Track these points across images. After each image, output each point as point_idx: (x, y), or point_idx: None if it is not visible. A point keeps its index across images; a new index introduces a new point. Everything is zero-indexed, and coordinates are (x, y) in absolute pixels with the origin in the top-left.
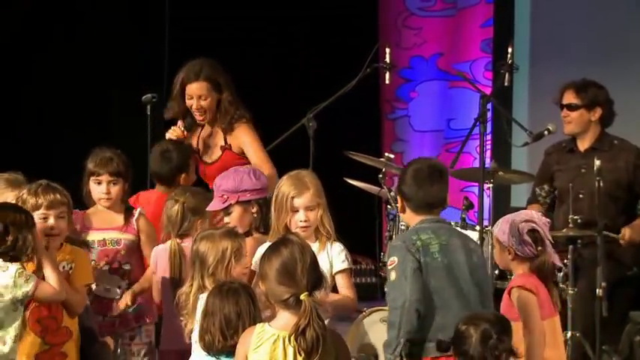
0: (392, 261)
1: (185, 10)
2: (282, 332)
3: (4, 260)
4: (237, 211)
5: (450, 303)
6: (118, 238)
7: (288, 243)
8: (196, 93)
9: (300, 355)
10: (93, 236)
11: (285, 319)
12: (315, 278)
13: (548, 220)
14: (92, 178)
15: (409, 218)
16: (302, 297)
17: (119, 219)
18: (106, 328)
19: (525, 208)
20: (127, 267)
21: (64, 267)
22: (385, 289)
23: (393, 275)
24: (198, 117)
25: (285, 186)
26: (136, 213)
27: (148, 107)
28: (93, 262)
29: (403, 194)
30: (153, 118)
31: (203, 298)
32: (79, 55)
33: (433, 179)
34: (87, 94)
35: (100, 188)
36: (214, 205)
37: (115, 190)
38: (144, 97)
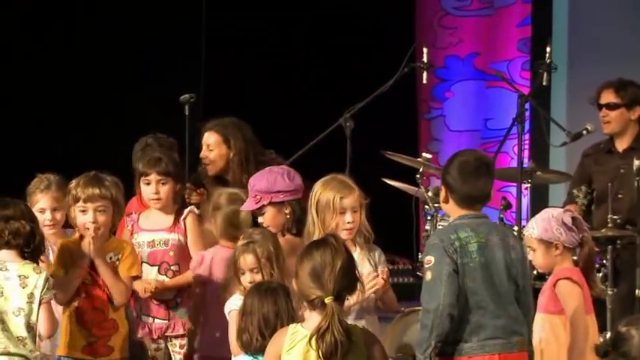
0: (428, 260)
1: (223, 11)
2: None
3: (32, 261)
4: (270, 211)
5: (485, 303)
6: (166, 238)
7: (322, 245)
8: (206, 142)
9: (320, 358)
10: (142, 237)
11: (315, 320)
12: (345, 283)
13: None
14: (142, 178)
15: (451, 210)
16: (326, 300)
17: (169, 219)
18: (156, 330)
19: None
20: (175, 268)
21: (110, 258)
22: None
23: (428, 275)
24: (206, 167)
25: (329, 189)
26: (185, 211)
27: (186, 107)
28: (143, 264)
29: (448, 186)
30: (190, 118)
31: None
32: (117, 56)
33: (480, 173)
34: (125, 95)
35: (149, 189)
36: (247, 206)
37: (164, 190)
38: (182, 98)
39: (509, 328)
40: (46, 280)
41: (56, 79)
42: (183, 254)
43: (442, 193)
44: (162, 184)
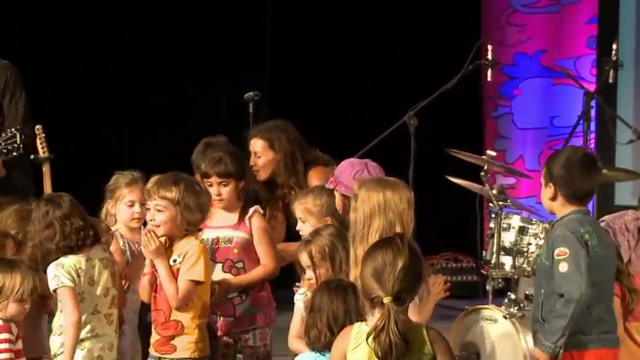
0: (562, 252)
1: (288, 10)
2: None
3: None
4: (338, 196)
5: (605, 296)
6: (230, 236)
7: (386, 244)
8: (253, 149)
9: (378, 357)
10: (207, 234)
11: (376, 319)
12: (406, 284)
13: None
14: (204, 180)
15: (558, 207)
16: (385, 300)
17: (234, 217)
18: (223, 327)
19: (633, 207)
20: (239, 265)
21: (174, 260)
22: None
23: (565, 267)
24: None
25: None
26: (251, 210)
27: (250, 105)
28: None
29: (557, 182)
30: (255, 116)
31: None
32: (182, 53)
33: (589, 168)
34: (190, 93)
35: (211, 190)
36: (327, 183)
37: (226, 191)
38: (246, 95)
39: (615, 322)
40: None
41: (121, 77)
42: (248, 252)
43: (549, 190)
44: (224, 185)
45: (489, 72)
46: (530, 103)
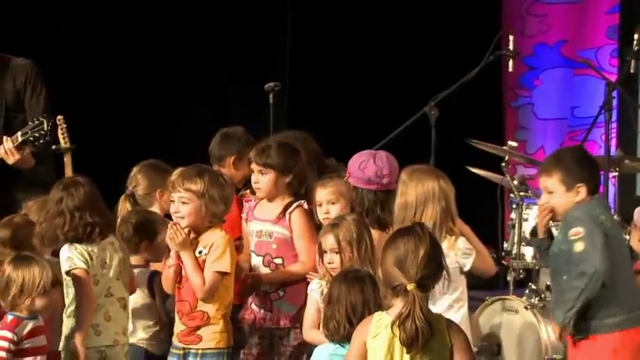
0: (577, 232)
1: (308, 1)
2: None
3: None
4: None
5: (623, 278)
6: (270, 230)
7: (407, 232)
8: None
9: (402, 344)
10: (252, 226)
11: (398, 307)
12: (428, 271)
13: None
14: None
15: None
16: (408, 287)
17: (276, 211)
18: (259, 320)
19: None
20: (278, 261)
21: (200, 252)
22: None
23: (580, 246)
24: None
25: (442, 180)
26: (293, 205)
27: (271, 95)
28: (252, 254)
29: (585, 180)
30: (275, 107)
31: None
32: (204, 44)
33: (595, 160)
34: (211, 83)
35: (252, 177)
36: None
37: (264, 181)
38: (266, 86)
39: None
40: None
41: (142, 67)
42: (287, 248)
43: (581, 191)
44: (262, 174)
45: (510, 62)
46: (550, 94)
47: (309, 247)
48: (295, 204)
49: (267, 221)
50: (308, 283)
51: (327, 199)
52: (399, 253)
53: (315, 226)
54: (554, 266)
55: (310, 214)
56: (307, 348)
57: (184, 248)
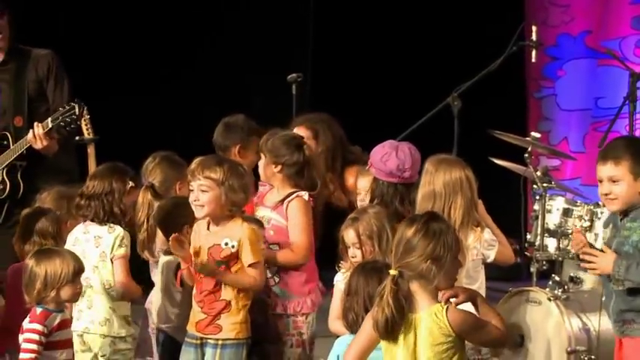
0: None
1: None
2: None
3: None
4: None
5: None
6: (269, 217)
7: (412, 220)
8: None
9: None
10: (259, 212)
11: None
12: (410, 261)
13: None
14: None
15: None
16: (391, 272)
17: (278, 198)
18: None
19: None
20: (275, 248)
21: (226, 243)
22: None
23: None
24: None
25: (468, 169)
26: (293, 195)
27: (293, 87)
28: None
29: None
30: (298, 98)
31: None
32: (226, 34)
33: None
34: (233, 74)
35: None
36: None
37: (261, 165)
38: (289, 77)
39: None
40: (116, 237)
41: (164, 57)
42: (282, 236)
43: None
44: (261, 158)
45: (534, 53)
46: (574, 85)
47: (300, 236)
48: (295, 194)
49: (268, 207)
50: (300, 272)
51: (367, 188)
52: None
53: (313, 217)
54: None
55: (308, 205)
56: (311, 338)
57: (213, 274)
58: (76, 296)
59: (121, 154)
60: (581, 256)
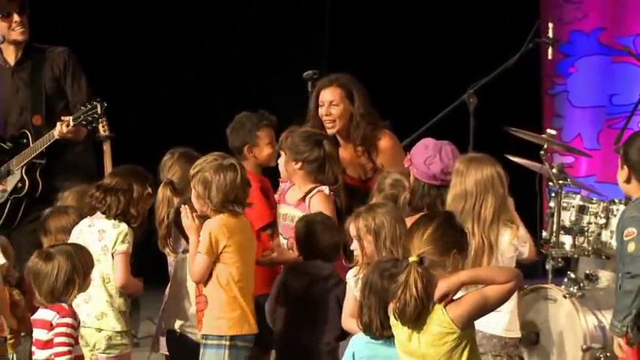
0: (630, 232)
1: None
2: None
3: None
4: (412, 175)
5: None
6: (293, 214)
7: (427, 217)
8: (328, 99)
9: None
10: (282, 209)
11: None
12: (431, 249)
13: None
14: None
15: (634, 189)
16: (410, 259)
17: (299, 195)
18: None
19: None
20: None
21: None
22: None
23: (632, 247)
24: (327, 126)
25: (498, 166)
26: (314, 191)
27: (309, 84)
28: (280, 236)
29: (632, 165)
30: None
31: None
32: (242, 32)
33: None
34: (249, 71)
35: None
36: (405, 159)
37: (280, 162)
38: (305, 74)
39: None
40: (119, 233)
41: (180, 54)
42: None
43: (624, 173)
44: (280, 155)
45: (550, 50)
46: (586, 81)
47: None
48: (317, 189)
49: (291, 205)
50: None
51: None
52: (411, 230)
53: (335, 211)
54: (617, 264)
55: (330, 199)
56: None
57: (191, 232)
58: (86, 287)
59: (136, 153)
60: None
